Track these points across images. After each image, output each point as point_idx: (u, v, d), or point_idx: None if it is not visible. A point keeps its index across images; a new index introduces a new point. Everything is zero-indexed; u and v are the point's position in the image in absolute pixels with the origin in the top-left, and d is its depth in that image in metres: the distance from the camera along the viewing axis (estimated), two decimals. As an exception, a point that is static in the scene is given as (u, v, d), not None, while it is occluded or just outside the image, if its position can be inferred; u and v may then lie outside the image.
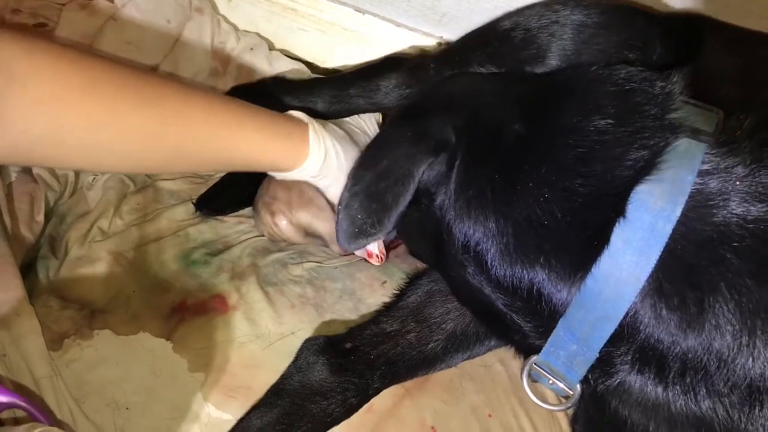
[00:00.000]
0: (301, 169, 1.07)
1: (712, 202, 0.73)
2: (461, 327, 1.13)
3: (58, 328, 1.04)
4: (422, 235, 1.00)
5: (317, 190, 1.13)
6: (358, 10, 1.36)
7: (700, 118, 0.78)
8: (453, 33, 1.29)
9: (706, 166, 0.74)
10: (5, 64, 0.77)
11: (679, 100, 0.80)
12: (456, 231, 0.88)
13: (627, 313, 0.74)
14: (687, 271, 0.72)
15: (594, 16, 1.01)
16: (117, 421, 0.99)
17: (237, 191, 1.28)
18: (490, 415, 1.10)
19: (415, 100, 1.14)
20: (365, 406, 1.06)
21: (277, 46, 1.44)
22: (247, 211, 1.28)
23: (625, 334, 0.76)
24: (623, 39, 1.00)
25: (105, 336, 1.05)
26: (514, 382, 1.15)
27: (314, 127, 1.06)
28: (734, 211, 0.72)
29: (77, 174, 1.20)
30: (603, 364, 0.80)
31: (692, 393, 0.74)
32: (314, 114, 1.15)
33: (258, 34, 1.41)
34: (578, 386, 0.88)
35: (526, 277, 0.81)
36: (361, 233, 0.94)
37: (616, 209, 0.74)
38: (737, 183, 0.72)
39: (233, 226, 1.25)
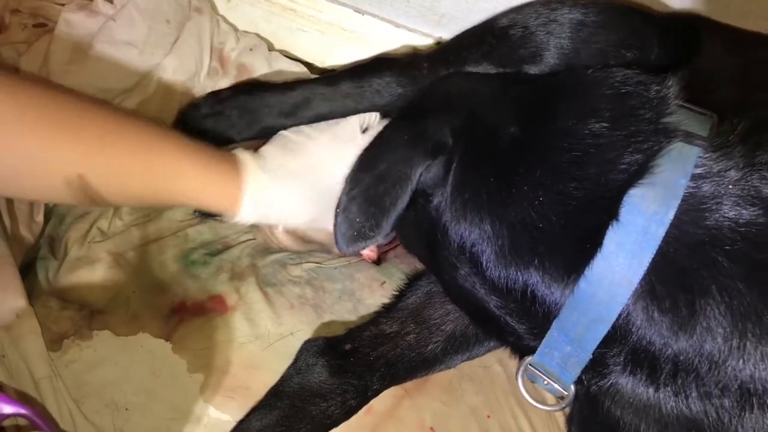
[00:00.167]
0: (239, 218, 1.05)
1: (704, 206, 0.73)
2: (460, 328, 1.13)
3: (58, 329, 1.05)
4: (418, 237, 1.00)
5: None
6: (357, 10, 1.36)
7: (694, 122, 0.78)
8: (452, 33, 1.29)
9: (699, 170, 0.74)
10: None
11: (674, 104, 0.80)
12: (452, 233, 0.88)
13: (620, 315, 0.74)
14: (679, 273, 0.72)
15: (592, 15, 1.01)
16: (116, 422, 1.00)
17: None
18: (489, 416, 1.10)
19: (412, 101, 1.14)
20: (364, 408, 1.07)
21: (277, 46, 1.44)
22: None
23: (618, 335, 0.76)
24: (621, 38, 1.00)
25: (104, 337, 1.06)
26: (512, 383, 1.15)
27: (250, 174, 1.03)
28: (727, 215, 0.72)
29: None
30: (596, 365, 0.81)
31: (683, 395, 0.74)
32: (304, 116, 1.16)
33: (257, 35, 1.40)
34: (572, 387, 0.88)
35: (520, 279, 0.81)
36: (359, 237, 0.94)
37: (610, 212, 0.74)
38: (730, 187, 0.72)
39: (232, 226, 1.25)
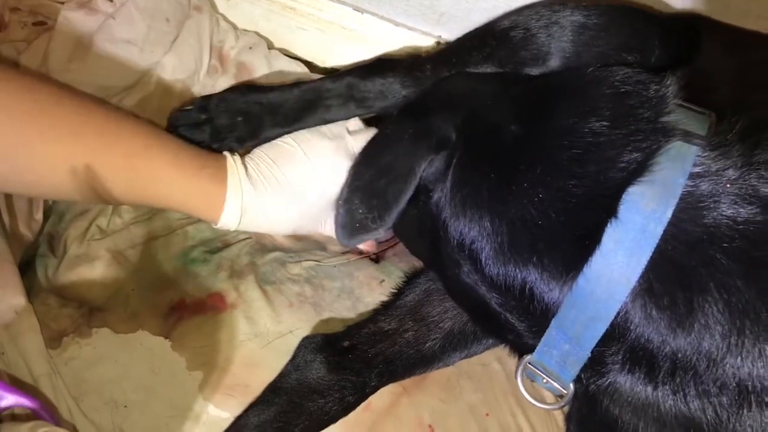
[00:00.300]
0: (220, 225, 1.06)
1: (703, 204, 0.73)
2: (459, 326, 1.13)
3: (57, 326, 1.05)
4: (419, 233, 1.00)
5: None
6: (357, 9, 1.35)
7: (693, 121, 0.78)
8: (451, 32, 1.29)
9: (697, 169, 0.74)
10: None
11: (673, 103, 0.80)
12: (451, 229, 0.88)
13: (618, 313, 0.75)
14: (677, 271, 0.72)
15: (594, 18, 1.01)
16: (115, 420, 1.00)
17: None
18: (487, 414, 1.10)
19: (415, 98, 1.14)
20: (363, 405, 1.07)
21: (276, 45, 1.44)
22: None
23: (616, 333, 0.76)
24: (623, 41, 1.00)
25: (104, 334, 1.06)
26: (511, 381, 1.15)
27: (234, 182, 1.03)
28: (725, 213, 0.72)
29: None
30: (595, 364, 0.81)
31: (681, 393, 0.74)
32: (306, 121, 1.16)
33: (257, 33, 1.40)
34: (571, 385, 0.88)
35: (519, 276, 0.81)
36: (361, 229, 0.94)
37: (609, 210, 0.75)
38: (728, 185, 0.73)
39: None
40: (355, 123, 1.15)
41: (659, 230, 0.72)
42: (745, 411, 0.71)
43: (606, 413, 0.84)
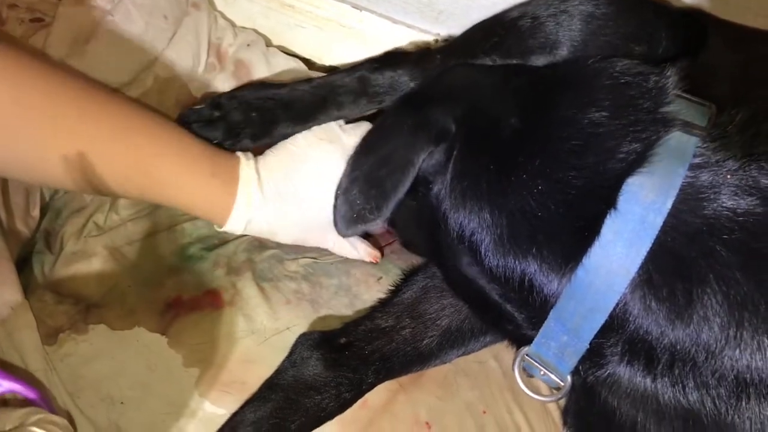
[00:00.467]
0: (225, 229, 1.06)
1: (702, 195, 0.73)
2: (456, 323, 1.13)
3: (53, 323, 1.05)
4: (418, 225, 1.00)
5: None
6: (355, 6, 1.36)
7: (693, 113, 0.78)
8: (450, 30, 1.29)
9: (697, 160, 0.74)
10: None
11: (673, 94, 0.80)
12: (451, 221, 0.88)
13: (617, 305, 0.75)
14: (677, 263, 0.72)
15: (603, 7, 1.01)
16: (111, 416, 1.00)
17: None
18: (484, 411, 1.10)
19: (416, 89, 1.14)
20: (359, 401, 1.07)
21: (275, 42, 1.44)
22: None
23: (615, 325, 0.76)
24: (630, 31, 1.00)
25: (100, 331, 1.05)
26: (508, 379, 1.15)
27: (244, 190, 1.04)
28: (725, 204, 0.72)
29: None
30: (593, 356, 0.81)
31: (680, 385, 0.74)
32: (320, 117, 1.16)
33: (255, 31, 1.40)
34: (569, 377, 0.88)
35: (518, 267, 0.81)
36: (359, 218, 0.94)
37: (608, 201, 0.75)
38: (728, 177, 0.73)
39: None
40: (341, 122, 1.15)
41: (659, 221, 0.72)
42: (743, 403, 0.71)
43: (604, 405, 0.84)
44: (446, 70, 1.08)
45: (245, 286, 1.14)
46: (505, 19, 1.09)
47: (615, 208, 0.74)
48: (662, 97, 0.80)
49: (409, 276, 1.20)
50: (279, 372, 1.06)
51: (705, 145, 0.75)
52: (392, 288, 1.20)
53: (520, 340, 0.93)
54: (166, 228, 1.19)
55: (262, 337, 1.10)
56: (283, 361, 1.07)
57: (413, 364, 1.12)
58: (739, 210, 0.71)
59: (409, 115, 0.94)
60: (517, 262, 0.81)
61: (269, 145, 1.12)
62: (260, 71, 1.32)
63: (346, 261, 1.23)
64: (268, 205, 1.04)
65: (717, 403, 0.73)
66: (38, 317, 1.02)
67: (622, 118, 0.79)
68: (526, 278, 0.81)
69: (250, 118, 1.15)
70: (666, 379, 0.75)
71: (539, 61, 1.02)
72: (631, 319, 0.75)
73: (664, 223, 0.72)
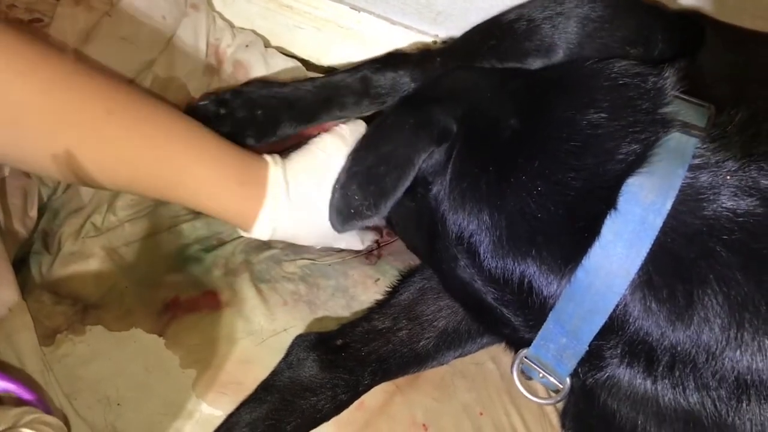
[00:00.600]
0: (251, 235, 1.06)
1: (702, 196, 0.73)
2: (453, 325, 1.13)
3: (51, 324, 1.05)
4: (416, 226, 1.00)
5: None
6: (353, 7, 1.36)
7: (692, 113, 0.78)
8: (449, 31, 1.30)
9: (697, 161, 0.74)
10: None
11: (671, 94, 0.81)
12: (450, 222, 0.89)
13: (617, 306, 0.75)
14: (677, 264, 0.72)
15: (599, 10, 1.01)
16: (108, 417, 1.00)
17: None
18: (481, 413, 1.10)
19: (417, 89, 1.15)
20: (356, 403, 1.06)
21: (273, 43, 1.44)
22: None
23: (615, 327, 0.76)
24: (626, 34, 1.00)
25: (97, 332, 1.05)
26: (505, 380, 1.15)
27: (272, 196, 1.03)
28: (724, 205, 0.72)
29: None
30: (592, 358, 0.81)
31: (681, 386, 0.74)
32: (323, 117, 1.16)
33: (254, 31, 1.40)
34: (568, 380, 0.88)
35: (517, 269, 0.81)
36: (356, 214, 0.95)
37: (608, 202, 0.75)
38: (728, 177, 0.73)
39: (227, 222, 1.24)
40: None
41: (659, 222, 0.72)
42: (744, 404, 0.71)
43: (604, 408, 0.84)
44: (446, 71, 1.09)
45: (243, 288, 1.14)
46: (502, 22, 1.10)
47: (615, 208, 0.74)
48: (661, 98, 0.80)
49: (406, 277, 1.20)
50: (275, 373, 1.06)
51: (704, 146, 0.75)
52: (389, 289, 1.20)
53: (518, 343, 0.93)
54: (164, 229, 1.19)
55: (259, 338, 1.10)
56: (280, 362, 1.07)
57: (410, 365, 1.11)
58: (739, 211, 0.71)
59: (410, 114, 0.94)
60: (516, 263, 0.81)
61: (272, 144, 1.12)
62: (259, 72, 1.32)
63: (343, 262, 1.23)
64: (294, 212, 1.04)
65: (718, 404, 0.73)
66: (36, 318, 1.02)
67: (621, 119, 0.79)
68: (525, 280, 0.81)
69: (255, 116, 1.16)
70: (666, 381, 0.75)
71: (536, 63, 1.02)
72: (630, 320, 0.75)
73: (664, 224, 0.72)
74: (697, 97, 0.81)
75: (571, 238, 0.78)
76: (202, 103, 1.17)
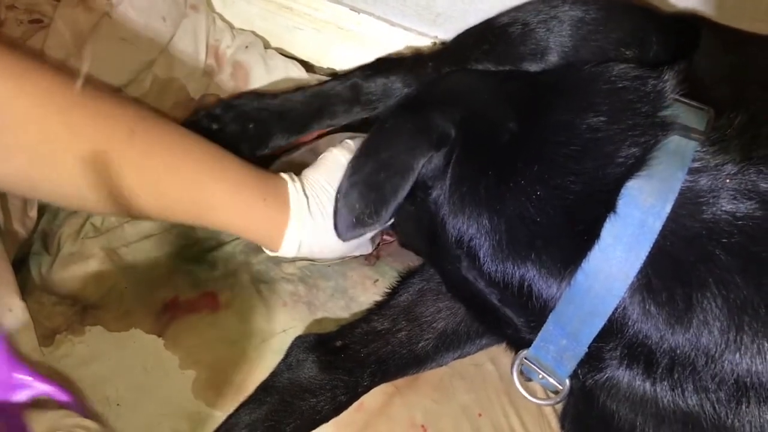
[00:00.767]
0: (278, 254, 1.06)
1: (702, 200, 0.73)
2: (452, 326, 1.13)
3: (50, 324, 1.05)
4: (417, 229, 1.00)
5: None
6: (353, 9, 1.36)
7: (691, 116, 0.78)
8: (448, 33, 1.30)
9: (696, 164, 0.74)
10: None
11: (671, 98, 0.80)
12: (449, 226, 0.89)
13: (616, 309, 0.75)
14: (676, 267, 0.72)
15: (592, 12, 1.02)
16: (108, 417, 1.00)
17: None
18: (480, 415, 1.10)
19: (415, 93, 1.15)
20: (355, 404, 1.07)
21: (273, 44, 1.44)
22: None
23: (614, 329, 0.76)
24: (621, 36, 1.00)
25: (97, 332, 1.06)
26: (504, 382, 1.15)
27: (296, 214, 1.03)
28: (724, 208, 0.72)
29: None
30: (592, 359, 0.81)
31: (680, 389, 0.74)
32: (314, 126, 1.17)
33: (253, 33, 1.41)
34: (567, 381, 0.88)
35: (517, 273, 0.81)
36: (358, 223, 0.94)
37: (607, 205, 0.74)
38: (727, 180, 0.73)
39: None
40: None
41: (658, 225, 0.72)
42: (743, 407, 0.71)
43: (603, 409, 0.84)
44: (444, 75, 1.09)
45: (242, 289, 1.15)
46: (496, 26, 1.10)
47: (614, 212, 0.74)
48: (660, 101, 0.80)
49: (405, 278, 1.20)
50: (274, 374, 1.06)
51: (704, 149, 0.75)
52: (388, 291, 1.20)
53: (519, 343, 0.93)
54: (163, 230, 1.19)
55: (258, 339, 1.10)
56: (279, 363, 1.07)
57: (409, 366, 1.11)
58: (738, 214, 0.71)
59: (409, 119, 0.94)
60: (515, 267, 0.81)
61: (265, 156, 1.13)
62: (258, 73, 1.32)
63: (342, 263, 1.23)
64: (318, 227, 1.04)
65: (717, 407, 0.73)
66: (35, 318, 1.02)
67: (620, 122, 0.79)
68: (525, 283, 0.81)
69: (247, 129, 1.17)
70: (665, 383, 0.75)
71: (531, 67, 1.03)
72: (630, 323, 0.75)
73: (664, 227, 0.72)
74: (697, 99, 0.81)
75: (570, 242, 0.78)
76: (193, 118, 1.17)
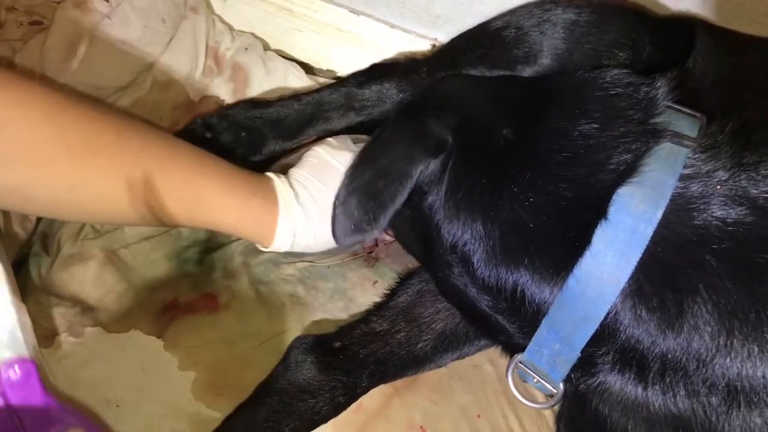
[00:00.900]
0: (272, 249, 1.07)
1: (693, 206, 0.73)
2: (451, 327, 1.13)
3: (50, 325, 1.05)
4: (413, 233, 1.01)
5: None
6: (352, 11, 1.36)
7: (683, 123, 0.78)
8: (447, 35, 1.30)
9: (687, 171, 0.74)
10: None
11: (663, 104, 0.80)
12: (444, 231, 0.89)
13: (608, 314, 0.75)
14: (667, 272, 0.73)
15: (585, 15, 1.02)
16: (107, 419, 1.00)
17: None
18: (479, 416, 1.10)
19: (412, 100, 1.15)
20: (354, 405, 1.07)
21: (272, 46, 1.44)
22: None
23: (606, 334, 0.76)
24: (614, 38, 1.01)
25: (96, 333, 1.06)
26: (503, 383, 1.15)
27: (285, 208, 1.04)
28: (714, 214, 0.72)
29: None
30: (585, 364, 0.81)
31: (671, 393, 0.74)
32: (307, 133, 1.18)
33: (253, 34, 1.41)
34: (561, 385, 0.88)
35: (510, 278, 0.82)
36: (357, 230, 0.95)
37: (599, 212, 0.75)
38: (718, 187, 0.73)
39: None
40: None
41: (649, 231, 0.72)
42: (734, 411, 0.71)
43: (595, 413, 0.84)
44: (441, 80, 1.09)
45: (241, 290, 1.15)
46: (489, 30, 1.10)
47: (605, 218, 0.74)
48: (653, 108, 0.80)
49: (404, 280, 1.20)
50: (273, 375, 1.07)
51: (695, 156, 0.75)
52: (387, 292, 1.20)
53: (513, 348, 0.93)
54: (162, 231, 1.19)
55: (257, 340, 1.10)
56: (278, 364, 1.08)
57: (408, 367, 1.12)
58: (728, 220, 0.72)
59: (406, 126, 0.95)
60: (509, 272, 0.82)
61: (260, 163, 1.13)
62: (258, 75, 1.32)
63: (342, 264, 1.23)
64: (310, 219, 1.05)
65: (707, 411, 0.73)
66: (35, 320, 1.01)
67: (613, 129, 0.79)
68: (518, 288, 0.81)
69: (240, 138, 1.18)
70: (657, 388, 0.75)
71: (525, 71, 1.03)
72: (621, 328, 0.75)
73: (655, 233, 0.72)
74: (691, 104, 0.81)
75: (562, 248, 0.78)
76: (189, 127, 1.18)
